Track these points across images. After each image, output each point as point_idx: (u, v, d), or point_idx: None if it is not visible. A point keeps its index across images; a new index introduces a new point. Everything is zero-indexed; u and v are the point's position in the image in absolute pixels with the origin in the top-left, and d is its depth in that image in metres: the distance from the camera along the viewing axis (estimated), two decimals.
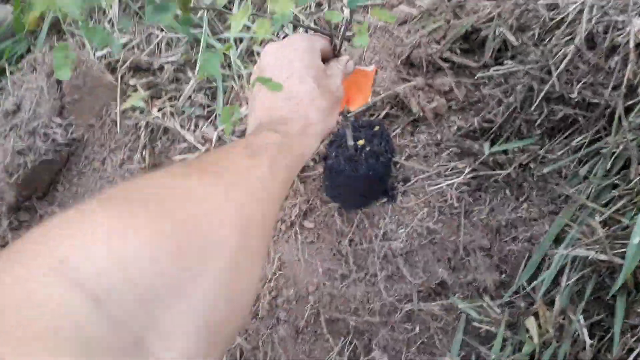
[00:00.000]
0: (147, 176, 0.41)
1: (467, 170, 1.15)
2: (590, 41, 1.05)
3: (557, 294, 0.90)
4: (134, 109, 1.27)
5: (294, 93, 0.61)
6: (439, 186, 1.15)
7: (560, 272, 0.93)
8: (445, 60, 1.27)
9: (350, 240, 1.16)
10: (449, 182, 1.15)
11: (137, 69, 1.28)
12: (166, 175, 0.42)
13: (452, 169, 1.18)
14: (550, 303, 0.93)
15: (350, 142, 1.02)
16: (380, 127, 1.11)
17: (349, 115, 0.99)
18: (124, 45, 1.29)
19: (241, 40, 1.29)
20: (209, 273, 0.35)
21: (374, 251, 1.11)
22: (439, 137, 1.23)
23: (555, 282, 0.95)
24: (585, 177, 1.00)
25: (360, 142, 1.08)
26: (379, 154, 1.06)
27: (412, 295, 1.05)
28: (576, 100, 1.01)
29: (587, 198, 0.95)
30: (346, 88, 0.79)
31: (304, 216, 1.21)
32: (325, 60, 0.69)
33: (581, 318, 0.83)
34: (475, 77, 1.22)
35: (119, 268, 0.30)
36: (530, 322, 0.85)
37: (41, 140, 1.18)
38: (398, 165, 1.21)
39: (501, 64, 1.19)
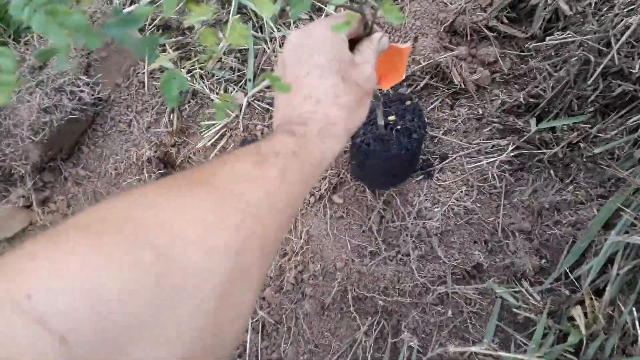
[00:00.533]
0: (129, 193, 0.37)
1: (510, 148, 1.08)
2: None
3: (606, 283, 0.84)
4: (162, 69, 1.22)
5: (313, 91, 0.54)
6: (478, 164, 1.09)
7: (610, 260, 0.87)
8: (491, 29, 1.19)
9: (382, 217, 1.12)
10: (490, 160, 1.09)
11: (166, 28, 1.23)
12: (150, 192, 0.38)
13: (494, 146, 1.11)
14: (597, 293, 0.88)
15: (381, 122, 0.95)
16: (412, 102, 1.04)
17: (380, 93, 0.92)
18: (153, 1, 1.23)
19: (275, 0, 1.22)
20: (191, 304, 0.32)
21: (407, 229, 1.06)
22: (480, 111, 1.16)
23: (603, 270, 0.89)
24: None
25: (392, 117, 1.02)
26: (412, 131, 1.00)
27: (446, 276, 1.01)
28: (637, 75, 0.92)
29: None
30: (379, 66, 0.72)
31: (333, 190, 1.16)
32: (355, 41, 0.61)
33: (633, 310, 0.77)
34: (526, 47, 1.14)
35: (89, 305, 0.28)
36: (577, 311, 0.80)
37: (67, 98, 1.15)
38: (436, 140, 1.15)
39: (550, 34, 1.11)
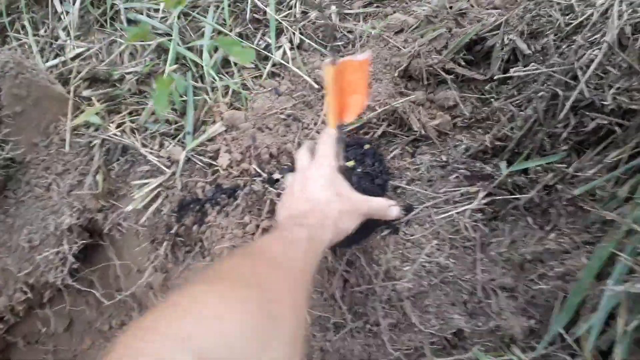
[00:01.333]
0: (228, 259, 0.60)
1: (481, 195, 0.97)
2: (618, 43, 0.91)
3: (610, 344, 0.71)
4: (87, 125, 1.07)
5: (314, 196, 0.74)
6: (448, 214, 0.97)
7: (611, 316, 0.74)
8: (448, 72, 1.12)
9: (345, 281, 0.96)
10: (460, 209, 0.97)
11: (94, 80, 1.10)
12: (239, 259, 0.56)
13: (463, 194, 1.00)
14: (602, 354, 0.74)
15: (341, 163, 0.83)
16: (371, 146, 0.94)
17: (344, 129, 0.81)
18: (79, 55, 1.10)
19: (216, 49, 1.12)
20: (279, 343, 0.44)
21: (375, 293, 0.91)
22: (444, 158, 1.06)
23: (603, 329, 0.76)
24: (629, 199, 0.83)
25: (350, 163, 0.90)
26: (374, 176, 0.89)
27: (424, 347, 0.85)
28: (610, 107, 0.85)
29: (636, 222, 0.77)
30: (337, 96, 0.65)
31: None
32: None
33: None
34: (486, 89, 1.07)
35: (225, 343, 0.39)
36: None
37: None
38: (399, 190, 1.03)
39: (509, 78, 1.05)
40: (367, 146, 0.92)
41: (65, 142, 1.06)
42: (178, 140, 1.07)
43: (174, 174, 1.04)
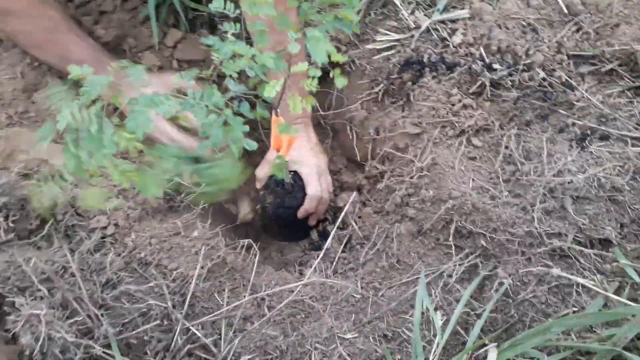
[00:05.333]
0: None
1: None
2: None
3: None
4: None
5: None
6: None
7: None
8: None
9: (516, 171, 1.07)
10: None
11: None
12: None
13: None
14: None
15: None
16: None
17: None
18: None
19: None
20: None
21: (540, 182, 1.00)
22: None
23: None
24: None
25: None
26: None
27: (567, 235, 0.93)
28: None
29: None
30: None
31: (475, 132, 1.14)
32: None
33: None
34: None
35: None
36: None
37: None
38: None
39: None
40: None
41: None
42: (426, 12, 1.25)
43: (412, 36, 1.23)
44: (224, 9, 0.73)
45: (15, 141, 1.00)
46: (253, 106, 0.73)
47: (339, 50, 1.31)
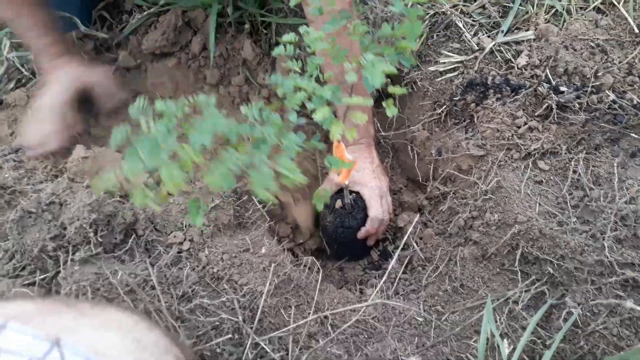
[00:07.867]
0: None
1: None
2: None
3: None
4: None
5: None
6: None
7: None
8: None
9: (585, 196, 1.05)
10: None
11: None
12: None
13: None
14: None
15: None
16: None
17: None
18: None
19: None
20: None
21: (612, 210, 0.98)
22: None
23: None
24: None
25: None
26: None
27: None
28: None
29: None
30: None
31: (542, 155, 1.13)
32: None
33: None
34: None
35: None
36: None
37: None
38: None
39: None
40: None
41: None
42: (490, 33, 1.25)
43: (476, 57, 1.23)
44: (285, 51, 0.77)
45: (102, 161, 1.09)
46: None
47: (400, 72, 1.33)
